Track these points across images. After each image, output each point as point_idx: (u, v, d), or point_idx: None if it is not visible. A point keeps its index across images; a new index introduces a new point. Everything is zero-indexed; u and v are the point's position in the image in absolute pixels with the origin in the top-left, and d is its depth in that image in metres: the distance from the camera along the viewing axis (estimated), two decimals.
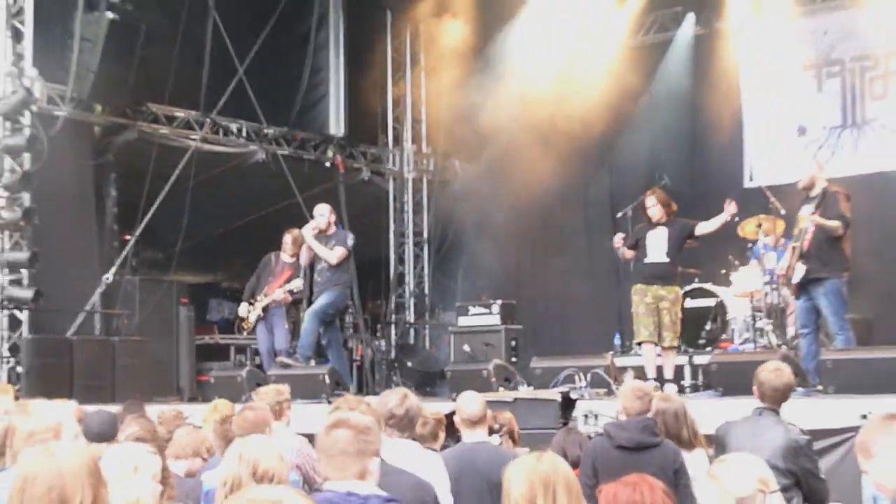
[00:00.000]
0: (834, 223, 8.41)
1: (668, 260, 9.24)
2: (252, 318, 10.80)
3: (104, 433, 5.06)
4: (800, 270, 8.57)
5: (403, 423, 4.29)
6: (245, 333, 11.39)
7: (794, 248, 8.69)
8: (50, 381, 10.28)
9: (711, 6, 13.29)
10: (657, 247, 9.27)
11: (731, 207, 8.99)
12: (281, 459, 3.53)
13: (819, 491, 5.27)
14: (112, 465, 3.24)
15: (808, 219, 8.40)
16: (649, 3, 13.77)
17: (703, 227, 9.17)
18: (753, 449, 4.75)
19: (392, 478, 4.25)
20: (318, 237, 10.37)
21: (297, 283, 10.69)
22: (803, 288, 8.63)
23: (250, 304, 10.80)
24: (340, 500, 3.17)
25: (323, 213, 10.47)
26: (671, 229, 9.25)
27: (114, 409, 6.25)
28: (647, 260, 9.30)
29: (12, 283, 10.99)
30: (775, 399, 5.37)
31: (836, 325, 8.51)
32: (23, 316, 11.17)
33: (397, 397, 4.36)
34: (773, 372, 5.39)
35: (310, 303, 10.81)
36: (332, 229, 10.48)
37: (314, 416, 5.25)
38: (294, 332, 11.32)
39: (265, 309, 10.75)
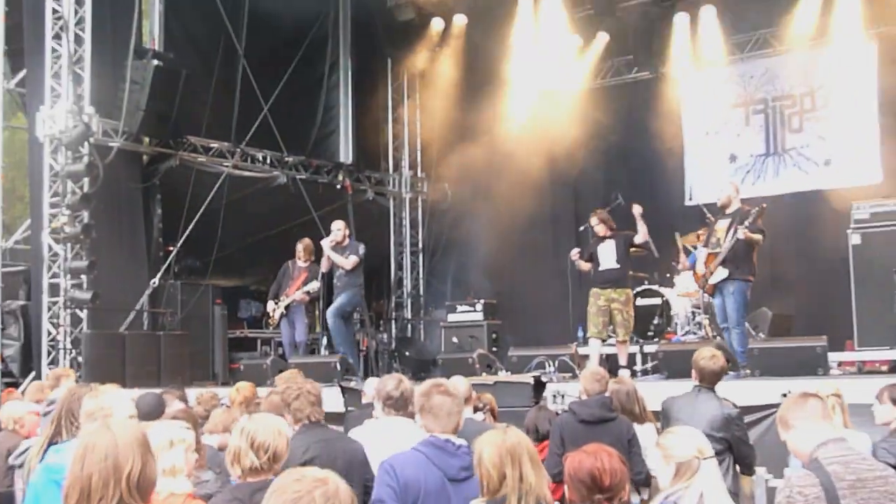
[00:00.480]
0: (758, 236, 8.50)
1: (618, 266, 9.33)
2: (276, 315, 10.82)
3: (151, 412, 5.04)
4: (721, 273, 8.60)
5: (399, 404, 4.29)
6: (271, 328, 11.38)
7: (710, 254, 8.74)
8: (105, 369, 10.25)
9: (658, 55, 13.34)
10: (608, 256, 9.38)
11: (635, 209, 9.17)
12: (279, 434, 3.50)
13: (748, 456, 5.32)
14: (152, 439, 3.24)
15: (741, 230, 8.42)
16: (606, 53, 13.83)
17: (638, 238, 9.27)
18: (692, 419, 4.79)
19: (335, 443, 4.33)
20: (335, 248, 10.41)
21: (314, 285, 10.68)
22: (718, 289, 8.67)
23: (275, 302, 10.82)
24: (442, 444, 3.59)
25: (339, 228, 10.51)
26: (617, 240, 9.38)
27: (159, 392, 6.24)
28: (601, 268, 9.39)
29: (74, 286, 10.96)
30: (711, 380, 5.40)
31: (735, 320, 8.57)
32: (83, 314, 11.12)
33: (394, 381, 4.36)
34: (710, 358, 5.43)
35: (328, 302, 10.82)
36: (347, 241, 10.52)
37: (327, 398, 5.31)
38: (312, 327, 11.27)
39: (287, 307, 10.76)
